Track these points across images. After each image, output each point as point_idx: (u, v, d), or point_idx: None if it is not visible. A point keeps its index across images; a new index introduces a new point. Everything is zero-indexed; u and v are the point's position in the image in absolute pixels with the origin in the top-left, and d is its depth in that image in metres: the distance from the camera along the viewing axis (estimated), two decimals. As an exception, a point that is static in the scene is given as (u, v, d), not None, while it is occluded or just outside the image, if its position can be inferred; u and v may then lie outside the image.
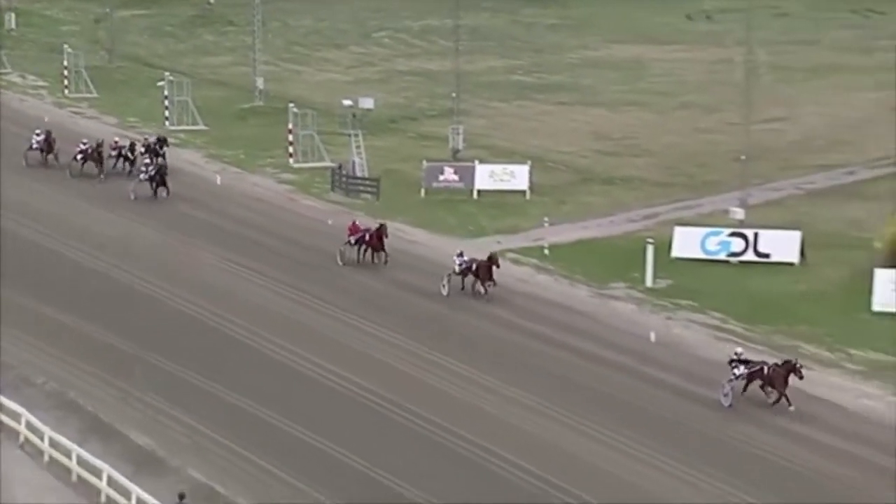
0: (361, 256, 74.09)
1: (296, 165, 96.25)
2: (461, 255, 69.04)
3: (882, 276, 66.51)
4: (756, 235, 74.71)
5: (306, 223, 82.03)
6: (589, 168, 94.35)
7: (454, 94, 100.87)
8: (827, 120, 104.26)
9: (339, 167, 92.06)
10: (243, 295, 70.28)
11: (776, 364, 54.23)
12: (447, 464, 51.38)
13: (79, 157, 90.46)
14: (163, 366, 59.65)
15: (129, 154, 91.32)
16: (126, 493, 45.97)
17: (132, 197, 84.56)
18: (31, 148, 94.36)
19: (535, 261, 74.60)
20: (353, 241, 73.84)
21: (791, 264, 73.16)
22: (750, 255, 74.25)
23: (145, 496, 45.32)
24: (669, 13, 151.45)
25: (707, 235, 75.21)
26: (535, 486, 49.41)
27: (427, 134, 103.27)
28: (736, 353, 55.65)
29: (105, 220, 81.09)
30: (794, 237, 74.03)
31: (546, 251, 75.62)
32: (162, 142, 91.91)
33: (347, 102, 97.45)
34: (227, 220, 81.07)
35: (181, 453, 51.78)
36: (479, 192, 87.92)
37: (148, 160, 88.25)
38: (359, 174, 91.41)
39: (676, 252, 74.02)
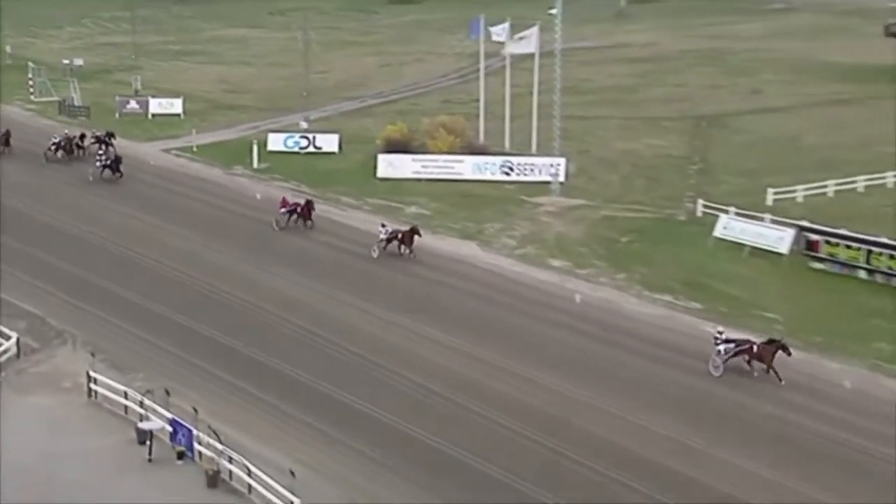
0: (293, 223, 59.78)
1: (35, 100, 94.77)
2: (384, 226, 55.84)
3: (381, 158, 69.70)
4: (314, 137, 76.91)
5: (48, 132, 78.82)
6: (217, 100, 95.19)
7: (133, 56, 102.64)
8: (350, 72, 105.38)
9: (64, 100, 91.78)
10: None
11: (763, 342, 41.49)
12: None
13: (52, 147, 74.58)
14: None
15: (80, 142, 75.38)
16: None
17: (90, 179, 69.13)
18: None
19: (188, 155, 75.71)
20: (285, 212, 60.24)
21: (334, 153, 75.24)
22: (311, 149, 75.88)
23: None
24: (259, 10, 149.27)
25: (287, 137, 77.07)
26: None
27: (118, 80, 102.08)
28: (718, 332, 42.44)
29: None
30: (335, 137, 76.57)
31: (194, 149, 76.88)
32: (110, 135, 74.97)
33: (66, 61, 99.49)
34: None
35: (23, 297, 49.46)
36: (153, 115, 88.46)
37: (101, 150, 71.84)
38: (76, 104, 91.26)
39: (270, 147, 75.59)
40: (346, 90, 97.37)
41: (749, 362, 41.62)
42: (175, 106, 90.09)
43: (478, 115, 72.55)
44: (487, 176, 68.23)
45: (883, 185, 64.75)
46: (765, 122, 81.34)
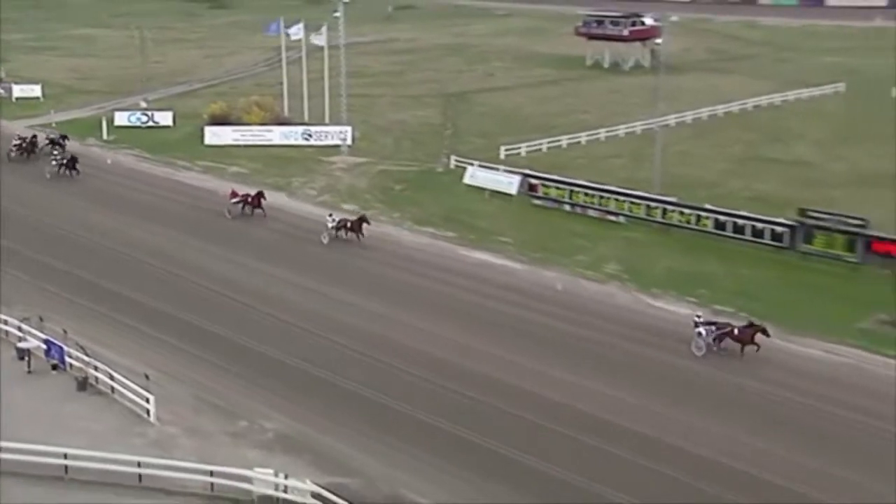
0: (242, 212, 52.75)
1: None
2: (331, 215, 49.54)
3: (207, 129, 68.79)
4: (153, 114, 74.88)
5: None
6: (71, 86, 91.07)
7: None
8: (179, 63, 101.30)
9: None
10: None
11: (743, 325, 36.11)
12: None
13: (14, 148, 65.10)
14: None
15: (34, 142, 65.97)
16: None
17: (48, 176, 60.09)
18: None
19: (48, 130, 70.46)
20: (235, 202, 52.67)
21: (169, 126, 73.41)
22: (150, 123, 73.87)
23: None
24: (105, 13, 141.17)
25: (130, 114, 74.88)
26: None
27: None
28: (697, 316, 37.00)
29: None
30: (169, 114, 74.62)
31: (53, 125, 73.31)
32: (63, 137, 65.78)
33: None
34: None
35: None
36: (16, 98, 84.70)
37: (56, 151, 63.01)
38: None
39: (117, 123, 73.38)
40: (177, 77, 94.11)
41: (719, 342, 36.03)
42: (35, 90, 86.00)
43: (282, 95, 71.82)
44: (292, 141, 67.67)
45: (579, 142, 67.02)
46: (496, 97, 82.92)
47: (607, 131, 68.42)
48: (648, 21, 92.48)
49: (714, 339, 36.22)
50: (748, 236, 46.94)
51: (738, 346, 36.11)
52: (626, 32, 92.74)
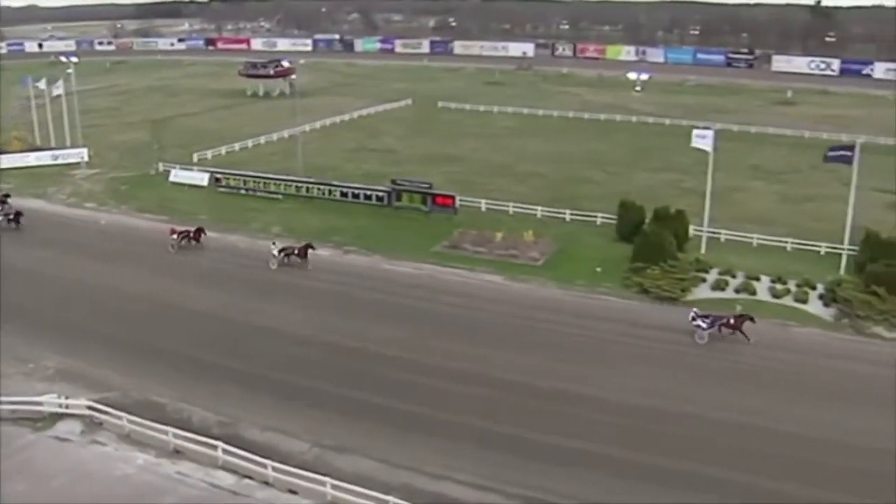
0: (181, 245, 41.01)
1: None
2: (275, 243, 38.74)
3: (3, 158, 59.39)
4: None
5: None
6: None
7: None
8: None
9: None
10: None
11: (736, 315, 30.36)
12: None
13: None
14: None
15: None
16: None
17: None
18: None
19: None
20: (177, 237, 41.07)
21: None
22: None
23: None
24: None
25: None
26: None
27: None
28: (695, 311, 30.81)
29: None
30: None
31: None
32: (6, 195, 48.63)
33: None
34: None
35: None
36: None
37: (1, 207, 46.61)
38: None
39: None
40: None
41: (719, 329, 30.23)
42: None
43: (34, 129, 63.81)
44: (44, 162, 59.56)
45: (247, 146, 64.51)
46: (188, 120, 78.14)
47: (266, 137, 67.26)
48: (286, 63, 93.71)
49: (713, 328, 30.33)
50: (362, 200, 47.24)
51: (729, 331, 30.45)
52: (271, 72, 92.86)
